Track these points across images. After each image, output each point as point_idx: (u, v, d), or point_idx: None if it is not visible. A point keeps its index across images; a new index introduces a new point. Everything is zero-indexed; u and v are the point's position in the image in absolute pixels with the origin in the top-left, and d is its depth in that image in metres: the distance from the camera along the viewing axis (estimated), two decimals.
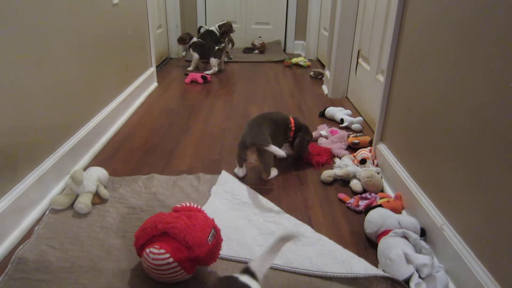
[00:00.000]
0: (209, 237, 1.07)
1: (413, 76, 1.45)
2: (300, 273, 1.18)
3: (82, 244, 1.27)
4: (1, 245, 1.22)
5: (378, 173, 1.63)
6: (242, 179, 1.71)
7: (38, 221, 1.38)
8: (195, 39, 3.67)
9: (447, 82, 1.20)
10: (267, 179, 1.72)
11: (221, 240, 1.14)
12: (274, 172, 1.75)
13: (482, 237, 1.01)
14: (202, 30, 3.91)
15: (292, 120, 1.83)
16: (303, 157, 1.85)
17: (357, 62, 2.65)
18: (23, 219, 1.34)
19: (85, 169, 1.61)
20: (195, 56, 3.62)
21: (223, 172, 1.74)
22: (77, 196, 1.48)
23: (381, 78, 2.17)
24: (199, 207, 1.20)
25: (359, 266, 1.17)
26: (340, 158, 1.87)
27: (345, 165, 1.73)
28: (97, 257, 1.22)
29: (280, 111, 1.90)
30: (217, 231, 1.12)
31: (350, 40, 2.76)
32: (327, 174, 1.71)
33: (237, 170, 1.75)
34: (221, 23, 3.90)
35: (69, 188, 1.49)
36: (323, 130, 2.19)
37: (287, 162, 1.85)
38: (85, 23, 1.84)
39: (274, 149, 1.58)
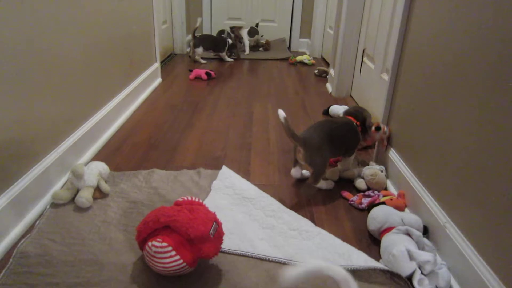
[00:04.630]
0: (211, 231, 1.07)
1: (418, 75, 1.44)
2: None
3: (84, 238, 1.27)
4: (4, 239, 1.23)
5: (382, 171, 1.62)
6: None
7: (40, 215, 1.39)
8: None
9: (451, 82, 1.19)
10: (313, 184, 1.55)
11: (223, 233, 1.14)
12: (325, 183, 1.62)
13: (484, 234, 1.00)
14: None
15: (352, 118, 1.65)
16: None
17: (362, 60, 2.64)
18: (26, 213, 1.34)
19: (86, 163, 1.61)
20: (199, 50, 3.78)
21: (224, 167, 1.74)
22: (78, 190, 1.48)
23: (386, 77, 2.16)
24: (200, 201, 1.20)
25: (359, 259, 1.19)
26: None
27: None
28: (99, 251, 1.22)
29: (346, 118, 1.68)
30: (218, 224, 1.12)
31: (356, 38, 2.75)
32: (332, 172, 1.70)
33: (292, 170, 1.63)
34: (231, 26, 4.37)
35: (70, 182, 1.49)
36: None
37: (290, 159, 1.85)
38: (90, 17, 1.84)
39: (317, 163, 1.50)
